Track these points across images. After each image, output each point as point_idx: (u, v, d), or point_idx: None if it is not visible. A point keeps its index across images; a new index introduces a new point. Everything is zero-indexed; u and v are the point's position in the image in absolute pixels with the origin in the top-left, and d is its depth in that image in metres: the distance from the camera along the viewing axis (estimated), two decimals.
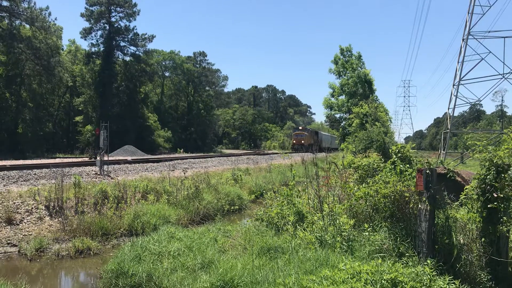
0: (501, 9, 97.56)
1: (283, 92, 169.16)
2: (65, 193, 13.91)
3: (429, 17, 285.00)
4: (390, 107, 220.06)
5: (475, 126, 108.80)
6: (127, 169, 22.55)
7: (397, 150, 9.68)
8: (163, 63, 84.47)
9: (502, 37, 35.84)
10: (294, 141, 73.66)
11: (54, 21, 50.98)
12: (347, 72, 43.31)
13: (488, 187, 7.22)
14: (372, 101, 32.76)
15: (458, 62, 37.40)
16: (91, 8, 58.36)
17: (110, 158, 29.28)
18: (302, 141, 69.12)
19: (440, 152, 38.41)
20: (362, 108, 27.12)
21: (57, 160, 29.07)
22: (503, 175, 7.14)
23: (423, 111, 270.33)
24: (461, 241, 7.52)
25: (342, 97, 44.16)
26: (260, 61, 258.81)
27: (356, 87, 41.16)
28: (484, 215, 7.26)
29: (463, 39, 37.05)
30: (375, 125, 23.94)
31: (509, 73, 34.90)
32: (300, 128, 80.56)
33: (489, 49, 36.14)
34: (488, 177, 7.27)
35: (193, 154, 49.07)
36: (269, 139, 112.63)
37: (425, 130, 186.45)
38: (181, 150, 53.99)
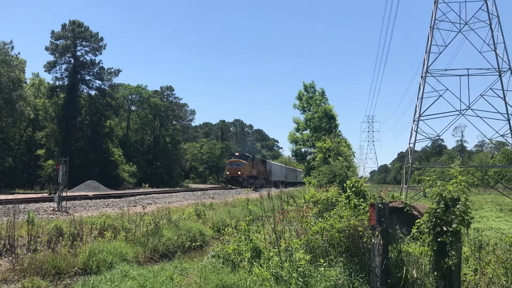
0: (456, 48, 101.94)
1: (250, 126, 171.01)
2: (17, 230, 13.33)
3: (390, 55, 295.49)
4: (355, 142, 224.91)
5: (437, 161, 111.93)
6: (87, 205, 21.98)
7: (351, 185, 9.80)
8: (130, 97, 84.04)
9: (458, 75, 37.36)
10: (227, 172, 55.10)
11: (17, 55, 50.35)
12: (311, 107, 44.13)
13: (439, 220, 7.34)
14: (335, 136, 33.34)
15: (417, 99, 38.68)
16: (56, 41, 58.08)
17: (72, 194, 28.56)
18: (239, 172, 52.81)
19: (403, 186, 39.10)
20: (325, 143, 27.55)
21: (14, 196, 28.07)
22: (452, 209, 7.29)
23: (388, 146, 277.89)
24: (414, 275, 7.57)
25: (307, 132, 44.78)
26: (227, 95, 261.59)
27: (321, 121, 41.92)
28: (435, 248, 7.35)
29: (421, 77, 38.44)
30: (338, 159, 24.27)
31: (465, 109, 36.25)
32: (236, 154, 59.18)
33: (446, 86, 37.61)
34: (438, 210, 7.40)
35: (158, 189, 48.31)
36: None
37: (389, 164, 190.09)
38: (146, 185, 52.69)
